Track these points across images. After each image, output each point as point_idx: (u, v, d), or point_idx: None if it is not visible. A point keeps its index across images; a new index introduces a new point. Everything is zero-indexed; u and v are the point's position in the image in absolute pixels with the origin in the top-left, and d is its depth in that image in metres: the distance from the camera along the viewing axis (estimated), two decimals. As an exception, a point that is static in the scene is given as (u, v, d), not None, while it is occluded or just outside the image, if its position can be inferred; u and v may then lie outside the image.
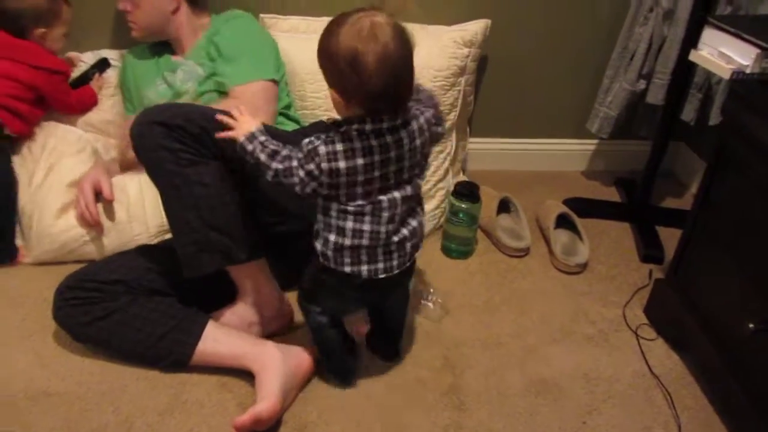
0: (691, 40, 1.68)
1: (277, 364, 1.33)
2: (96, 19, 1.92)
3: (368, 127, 1.10)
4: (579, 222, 1.93)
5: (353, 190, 1.14)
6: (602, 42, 2.09)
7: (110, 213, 1.65)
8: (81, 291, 1.37)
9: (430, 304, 1.61)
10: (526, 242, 1.87)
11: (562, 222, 1.93)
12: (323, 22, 1.87)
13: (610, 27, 2.05)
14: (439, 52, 1.83)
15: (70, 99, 1.80)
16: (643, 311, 1.67)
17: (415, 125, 1.16)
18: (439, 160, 1.89)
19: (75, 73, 1.86)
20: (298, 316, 1.48)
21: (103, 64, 1.90)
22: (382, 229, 1.18)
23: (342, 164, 1.11)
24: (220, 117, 1.22)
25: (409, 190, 1.20)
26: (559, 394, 1.42)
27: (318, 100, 1.81)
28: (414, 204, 1.25)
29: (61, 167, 1.70)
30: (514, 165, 2.33)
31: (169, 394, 1.35)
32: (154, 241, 1.65)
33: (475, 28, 1.89)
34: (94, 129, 1.87)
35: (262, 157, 1.16)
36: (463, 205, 1.77)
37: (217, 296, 1.47)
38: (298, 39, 1.84)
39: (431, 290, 1.64)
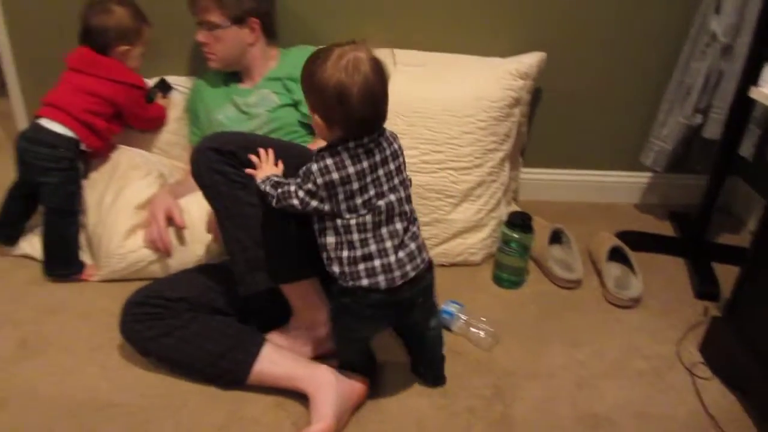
0: (751, 75, 1.68)
1: (331, 387, 1.35)
2: (164, 46, 2.01)
3: (351, 144, 1.19)
4: (632, 255, 1.92)
5: (353, 202, 1.21)
6: (657, 75, 2.10)
7: (177, 236, 1.73)
8: (147, 307, 1.43)
9: (481, 333, 1.62)
10: (577, 274, 1.87)
11: (615, 255, 1.93)
12: (414, 55, 1.91)
13: (666, 60, 2.06)
14: (494, 84, 1.86)
15: (147, 114, 1.89)
16: (698, 349, 1.64)
17: (387, 132, 1.26)
18: (491, 189, 1.91)
19: None
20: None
21: (164, 85, 1.99)
22: (384, 231, 1.24)
23: (335, 175, 1.19)
24: (250, 156, 1.34)
25: (402, 192, 1.27)
26: (611, 430, 1.41)
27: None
28: (411, 217, 1.31)
29: (130, 190, 1.79)
30: (566, 196, 2.34)
31: (227, 411, 1.39)
32: (215, 261, 1.71)
33: (531, 60, 1.92)
34: (160, 151, 1.96)
35: (268, 188, 1.28)
36: (515, 235, 1.79)
37: (274, 315, 1.52)
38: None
39: (482, 319, 1.65)
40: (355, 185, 1.20)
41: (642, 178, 2.33)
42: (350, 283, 1.25)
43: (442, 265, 1.93)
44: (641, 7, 2.03)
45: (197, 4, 1.75)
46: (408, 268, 1.27)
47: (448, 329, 1.65)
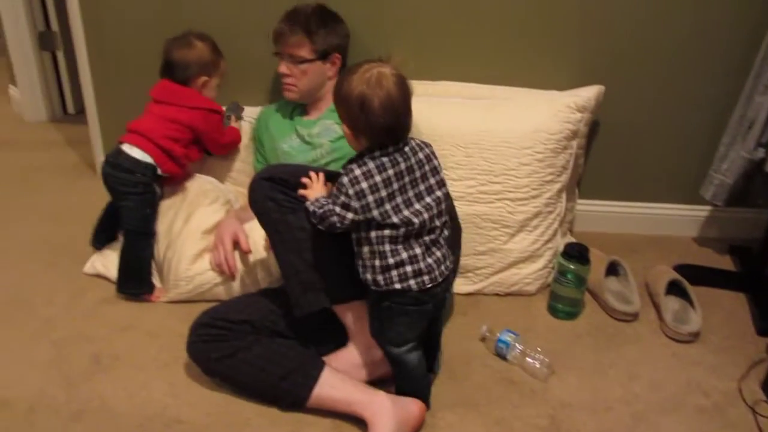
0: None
1: (388, 413, 1.38)
2: (229, 77, 2.09)
3: (376, 153, 1.31)
4: (691, 289, 1.90)
5: (383, 209, 1.30)
6: (717, 108, 2.09)
7: (241, 259, 1.80)
8: (212, 328, 1.50)
9: (537, 363, 1.63)
10: (635, 307, 1.86)
11: (673, 288, 1.91)
12: (441, 85, 1.99)
13: (727, 93, 2.05)
14: (552, 116, 1.89)
15: (224, 138, 1.97)
16: (760, 387, 1.61)
17: (413, 143, 1.37)
18: (548, 220, 1.93)
19: None
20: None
21: (236, 108, 2.06)
22: (414, 242, 1.34)
23: (364, 184, 1.29)
24: (303, 179, 1.44)
25: (428, 200, 1.36)
26: (669, 466, 1.40)
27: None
28: (443, 227, 1.40)
29: (198, 216, 1.87)
30: (622, 228, 2.32)
31: (287, 432, 1.44)
32: (276, 285, 1.77)
33: (589, 93, 1.94)
34: (227, 178, 2.04)
35: (313, 209, 1.35)
36: (571, 266, 1.80)
37: (333, 338, 1.56)
38: (418, 101, 1.94)
39: (537, 349, 1.66)
40: (383, 192, 1.30)
41: (701, 211, 2.30)
42: (384, 288, 1.35)
43: (497, 294, 1.95)
44: (702, 40, 2.02)
45: (287, 39, 1.81)
46: (436, 273, 1.37)
47: (504, 358, 1.67)
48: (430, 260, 1.35)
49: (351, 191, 1.28)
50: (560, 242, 1.99)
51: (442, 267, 1.39)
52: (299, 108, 1.99)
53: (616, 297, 1.89)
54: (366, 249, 1.35)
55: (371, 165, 1.30)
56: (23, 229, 2.19)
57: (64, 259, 2.02)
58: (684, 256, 2.18)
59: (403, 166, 1.33)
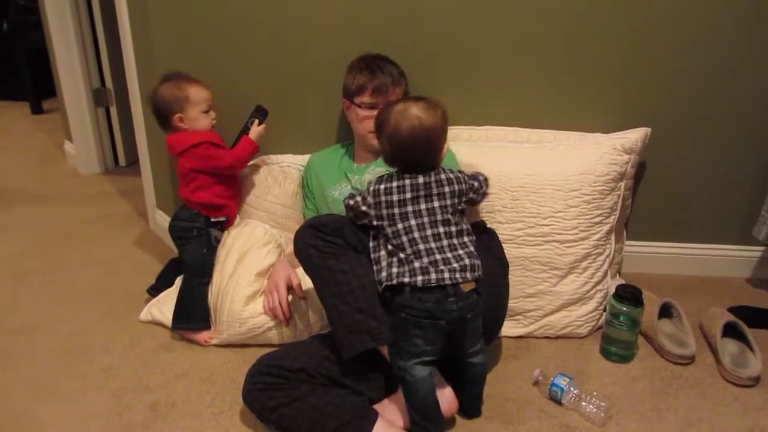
0: None
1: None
2: (277, 126, 2.17)
3: (400, 171, 1.51)
4: (749, 332, 1.85)
5: (392, 211, 1.48)
6: (767, 147, 2.07)
7: (294, 304, 1.82)
8: (268, 377, 1.50)
9: (593, 407, 1.60)
10: (691, 349, 1.82)
11: (730, 331, 1.87)
12: (485, 130, 2.01)
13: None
14: (598, 159, 1.90)
15: (224, 162, 1.97)
16: (828, 432, 1.56)
17: (443, 174, 1.52)
18: (598, 262, 1.92)
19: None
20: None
21: (259, 112, 2.06)
22: (422, 248, 1.46)
23: (381, 186, 1.49)
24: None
25: (438, 215, 1.49)
26: None
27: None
28: (457, 239, 1.51)
29: (250, 258, 1.91)
30: (672, 269, 2.30)
31: (342, 480, 1.43)
32: (327, 329, 1.78)
33: (636, 136, 1.95)
34: (276, 224, 2.08)
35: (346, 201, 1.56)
36: (624, 308, 1.77)
37: (384, 384, 1.57)
38: (464, 146, 2.00)
39: (594, 393, 1.63)
40: (395, 197, 1.48)
41: (754, 252, 2.26)
42: (394, 281, 1.44)
43: (548, 337, 1.93)
44: (748, 79, 2.02)
45: (391, 89, 1.86)
46: (445, 274, 1.43)
47: (559, 403, 1.64)
48: (439, 261, 1.45)
49: (371, 188, 1.50)
50: (611, 284, 1.97)
51: (457, 274, 1.44)
52: (348, 154, 2.04)
53: (670, 340, 1.85)
54: (384, 253, 1.49)
55: (394, 179, 1.49)
56: (80, 279, 2.26)
57: (120, 307, 2.08)
58: (738, 297, 2.13)
59: (421, 180, 1.48)
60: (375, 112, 1.85)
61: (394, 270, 1.45)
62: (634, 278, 2.17)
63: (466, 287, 1.46)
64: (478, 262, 1.49)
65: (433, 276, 1.42)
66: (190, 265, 1.95)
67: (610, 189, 1.91)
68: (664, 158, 2.13)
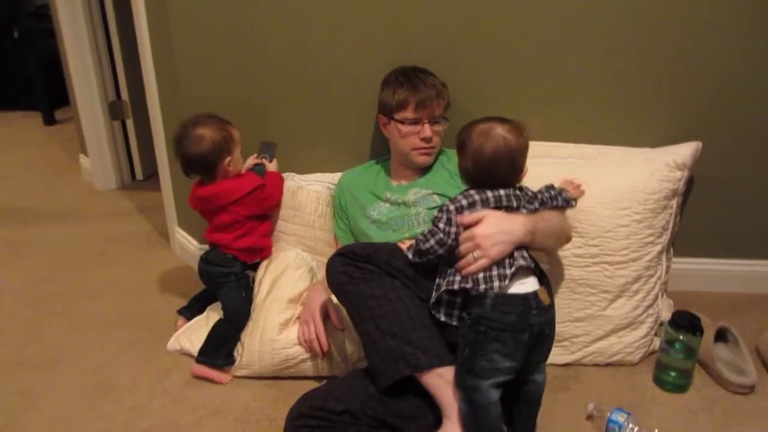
0: None
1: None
2: (310, 145, 2.09)
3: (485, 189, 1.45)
4: (811, 357, 1.75)
5: None
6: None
7: (331, 335, 1.72)
8: (312, 419, 1.41)
9: (654, 445, 1.51)
10: (751, 378, 1.72)
11: (792, 356, 1.77)
12: (563, 147, 1.87)
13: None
14: (649, 175, 1.79)
15: (274, 201, 1.95)
16: None
17: (524, 191, 1.50)
18: (649, 284, 1.81)
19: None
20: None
21: (269, 148, 2.00)
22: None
23: (464, 201, 1.42)
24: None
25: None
26: None
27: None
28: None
29: (282, 284, 1.83)
30: (719, 286, 2.19)
31: None
32: (364, 361, 1.69)
33: (687, 151, 1.84)
34: (306, 247, 1.99)
35: (412, 251, 1.48)
36: (681, 337, 1.67)
37: (430, 420, 1.46)
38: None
39: (655, 430, 1.53)
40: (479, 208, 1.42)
41: (805, 266, 2.16)
42: (480, 288, 1.35)
43: (597, 365, 1.83)
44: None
45: (435, 102, 1.78)
46: (516, 282, 1.37)
47: (616, 440, 1.54)
48: (513, 270, 1.37)
49: (451, 207, 1.42)
50: (662, 306, 1.87)
51: (528, 284, 1.39)
52: (383, 172, 1.95)
53: (729, 367, 1.75)
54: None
55: (472, 191, 1.45)
56: (102, 306, 2.16)
57: (145, 335, 1.98)
58: (792, 316, 2.03)
59: (502, 192, 1.43)
60: (418, 128, 1.77)
61: (479, 276, 1.37)
62: (681, 296, 2.08)
63: (545, 300, 1.38)
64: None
65: (507, 282, 1.35)
66: (230, 309, 1.85)
67: (661, 207, 1.80)
68: (711, 172, 2.03)
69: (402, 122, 1.79)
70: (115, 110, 3.12)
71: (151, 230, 2.74)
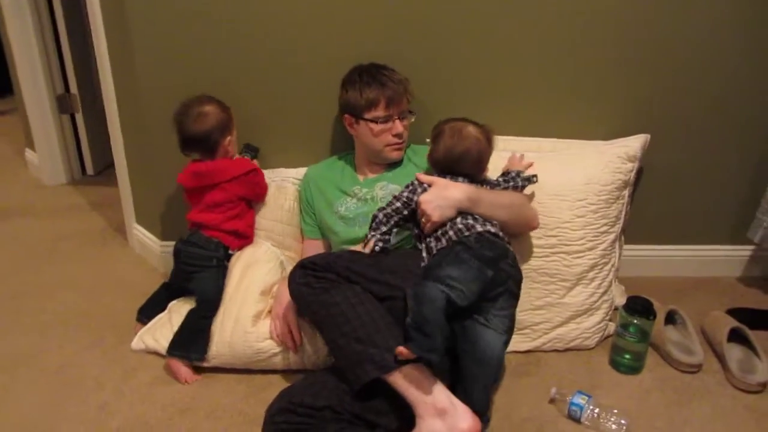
0: None
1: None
2: (275, 140, 2.09)
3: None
4: (753, 337, 1.86)
5: None
6: (761, 150, 2.08)
7: (303, 329, 1.73)
8: (293, 415, 1.41)
9: (613, 425, 1.58)
10: (698, 358, 1.82)
11: (734, 336, 1.87)
12: (519, 141, 1.99)
13: (771, 136, 2.05)
14: (603, 168, 1.87)
15: (264, 189, 1.98)
16: (844, 439, 1.57)
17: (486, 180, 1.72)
18: (604, 272, 1.89)
19: None
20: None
21: (252, 149, 2.03)
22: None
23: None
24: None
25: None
26: None
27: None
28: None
29: (254, 276, 1.83)
30: (666, 271, 2.31)
31: None
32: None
33: (638, 143, 1.92)
34: (273, 241, 1.99)
35: (374, 226, 1.65)
36: (635, 321, 1.76)
37: (405, 416, 1.48)
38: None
39: (614, 411, 1.61)
40: None
41: (744, 251, 2.29)
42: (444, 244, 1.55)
43: (556, 350, 1.90)
44: (745, 84, 2.03)
45: (402, 98, 1.81)
46: (478, 227, 1.54)
47: (577, 421, 1.62)
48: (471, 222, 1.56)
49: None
50: (615, 292, 1.96)
51: (480, 227, 1.55)
52: (348, 167, 1.97)
53: (678, 348, 1.85)
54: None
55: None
56: (59, 304, 2.11)
57: (107, 334, 1.95)
58: (732, 297, 2.16)
59: (463, 180, 1.64)
60: (390, 125, 1.81)
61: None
62: (632, 282, 2.18)
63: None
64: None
65: (480, 228, 1.53)
66: (204, 297, 1.82)
67: (615, 198, 1.88)
68: (659, 162, 2.13)
69: (375, 121, 1.80)
70: (63, 104, 3.04)
71: (105, 226, 2.68)
